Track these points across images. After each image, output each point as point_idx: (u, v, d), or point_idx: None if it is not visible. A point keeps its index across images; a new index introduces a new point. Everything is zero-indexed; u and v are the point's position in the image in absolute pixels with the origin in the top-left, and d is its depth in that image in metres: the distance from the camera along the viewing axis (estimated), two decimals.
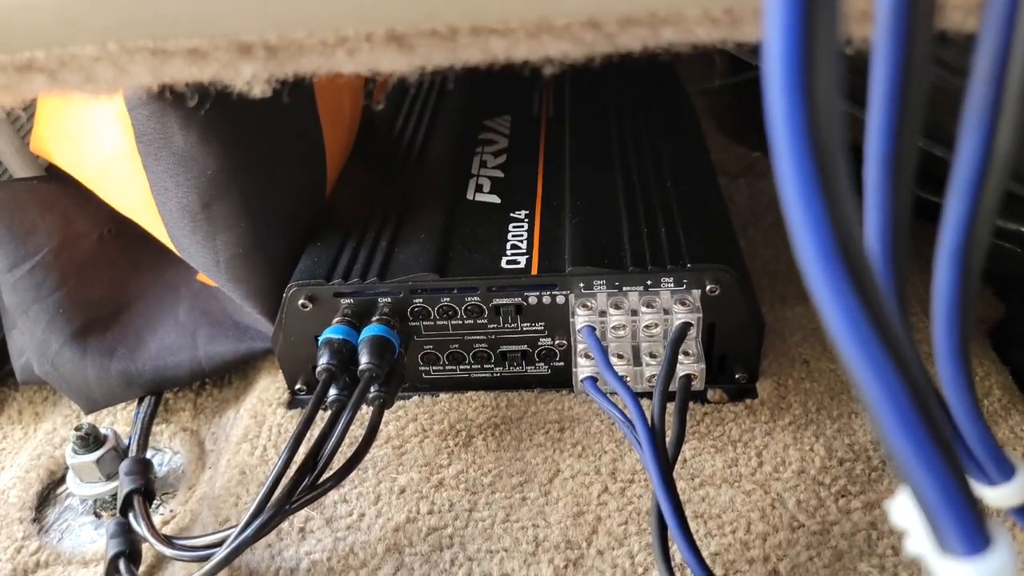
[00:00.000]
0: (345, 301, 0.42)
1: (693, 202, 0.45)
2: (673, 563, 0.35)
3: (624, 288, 0.40)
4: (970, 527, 0.15)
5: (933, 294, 0.20)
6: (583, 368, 0.41)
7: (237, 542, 0.33)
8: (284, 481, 0.35)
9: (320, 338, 0.40)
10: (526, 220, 0.45)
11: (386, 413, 0.44)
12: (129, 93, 0.38)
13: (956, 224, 0.19)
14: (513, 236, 0.44)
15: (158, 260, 0.50)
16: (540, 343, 0.43)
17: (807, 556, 0.35)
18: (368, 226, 0.45)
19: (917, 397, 0.14)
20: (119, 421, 0.49)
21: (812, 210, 0.14)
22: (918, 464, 0.15)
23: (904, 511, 0.17)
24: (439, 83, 0.63)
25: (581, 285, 0.41)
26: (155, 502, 0.44)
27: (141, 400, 0.47)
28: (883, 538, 0.36)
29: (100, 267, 0.47)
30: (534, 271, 0.41)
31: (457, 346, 0.44)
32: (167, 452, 0.47)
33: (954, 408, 0.22)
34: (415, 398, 0.45)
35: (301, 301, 0.41)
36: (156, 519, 0.42)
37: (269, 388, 0.47)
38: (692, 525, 0.37)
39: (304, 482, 0.36)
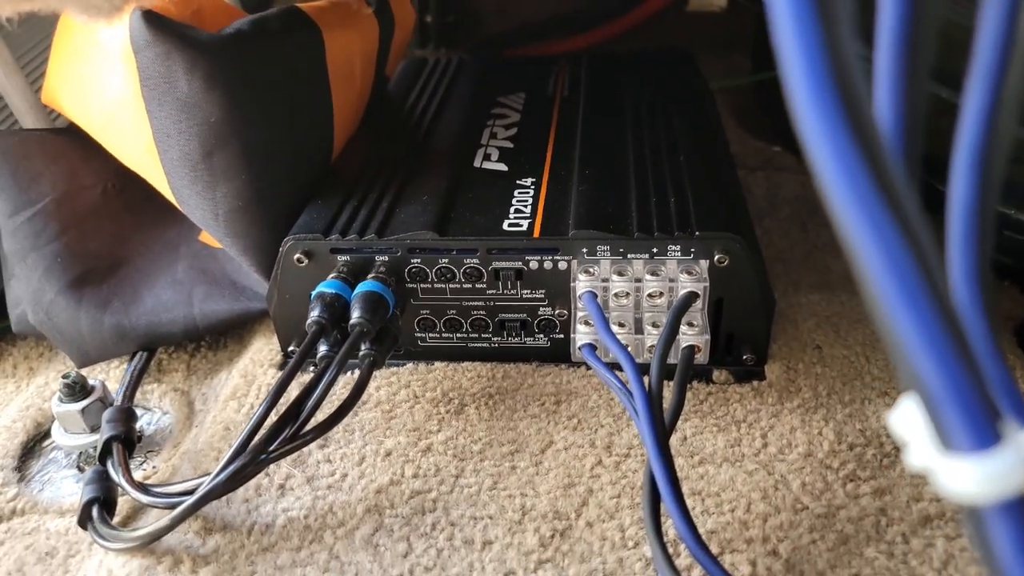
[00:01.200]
0: (342, 258, 0.41)
1: (705, 174, 0.43)
2: (666, 539, 0.33)
3: (629, 255, 0.39)
4: (977, 418, 0.13)
5: (948, 209, 0.19)
6: (582, 335, 0.39)
7: (209, 487, 0.32)
8: (264, 433, 0.34)
9: (313, 292, 0.39)
10: (532, 187, 0.44)
11: (378, 378, 0.43)
12: (134, 32, 0.37)
13: (975, 118, 0.17)
14: (518, 201, 0.42)
15: (161, 218, 0.49)
16: (540, 312, 0.42)
17: (810, 539, 0.33)
18: (371, 187, 0.44)
19: (920, 260, 0.13)
20: (111, 379, 0.48)
21: (804, 33, 0.12)
22: (919, 340, 0.13)
23: (905, 419, 0.15)
24: (456, 63, 0.62)
25: (584, 250, 0.39)
26: (139, 459, 0.43)
27: (134, 356, 0.46)
28: (893, 525, 0.33)
29: (101, 220, 0.46)
30: (536, 234, 0.40)
31: (455, 312, 0.42)
32: (156, 412, 0.46)
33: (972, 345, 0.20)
34: (409, 365, 0.44)
35: (297, 256, 0.40)
36: (137, 474, 0.41)
37: (263, 350, 0.46)
38: (689, 502, 0.35)
39: (284, 433, 0.34)
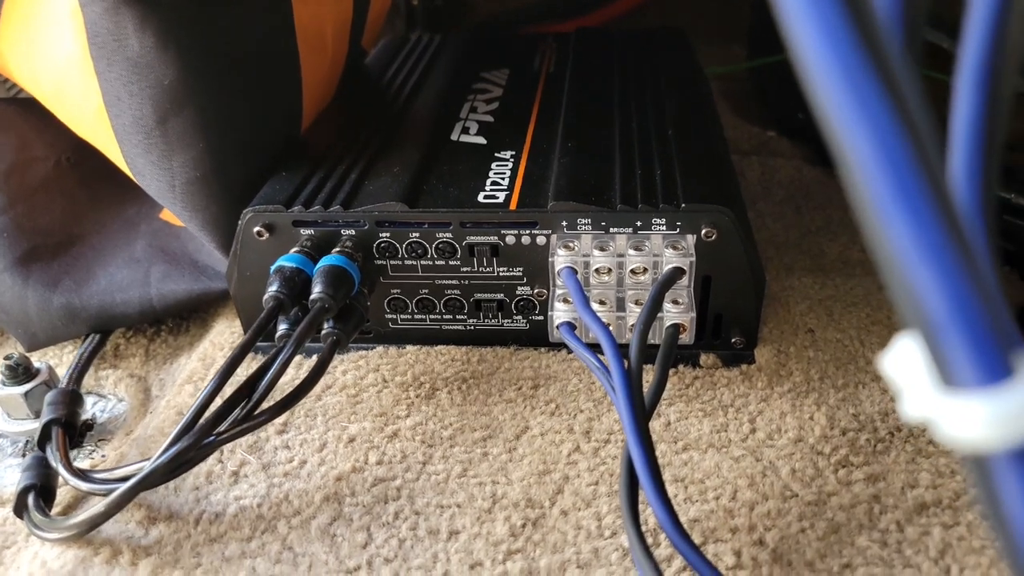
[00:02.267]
0: (305, 232, 0.38)
1: (694, 148, 0.41)
2: (646, 528, 0.30)
3: (611, 229, 0.37)
4: (986, 345, 0.11)
5: (952, 124, 0.16)
6: (560, 313, 0.37)
7: (148, 471, 0.30)
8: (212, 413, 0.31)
9: (272, 266, 0.37)
10: (511, 159, 0.41)
11: (345, 362, 0.41)
12: None
13: (984, 18, 0.15)
14: (495, 174, 0.40)
15: (121, 194, 0.47)
16: (518, 292, 0.40)
17: (799, 527, 0.30)
18: (340, 159, 0.42)
19: (917, 148, 0.10)
20: (63, 365, 0.45)
21: None
22: (915, 246, 0.11)
23: (900, 359, 0.13)
24: (438, 40, 0.60)
25: (564, 224, 0.37)
26: (89, 448, 0.41)
27: (86, 338, 0.43)
28: (887, 512, 0.31)
29: (53, 195, 0.44)
30: (513, 206, 0.37)
31: (427, 291, 0.40)
32: (111, 399, 0.44)
33: None
34: (379, 348, 0.41)
35: (257, 228, 0.38)
36: (84, 463, 0.39)
37: (224, 332, 0.44)
38: (671, 489, 0.32)
39: (235, 414, 0.32)
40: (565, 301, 0.37)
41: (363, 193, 0.39)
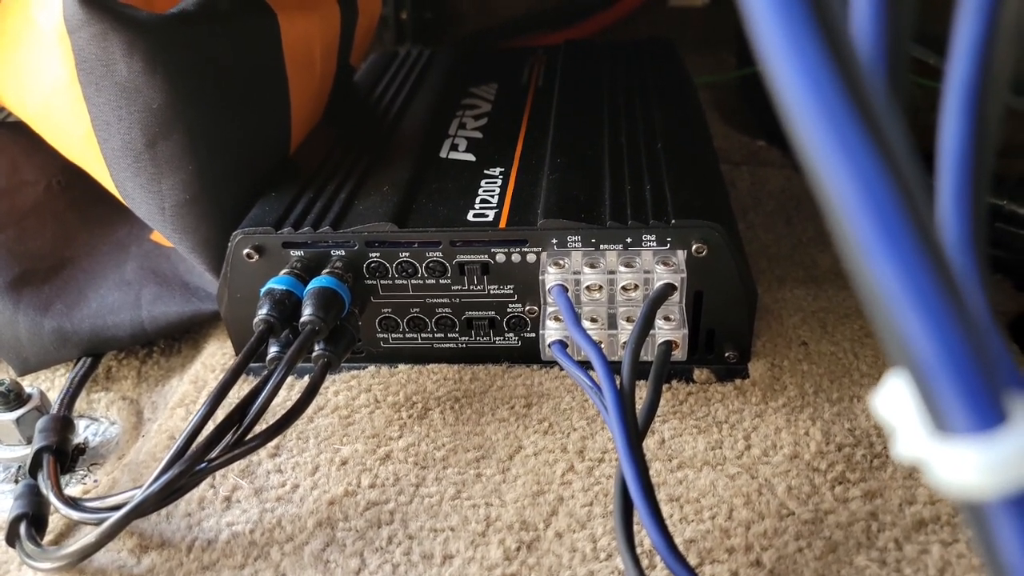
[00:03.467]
0: (295, 253, 0.38)
1: (683, 162, 0.41)
2: (641, 549, 0.30)
3: (601, 246, 0.36)
4: (978, 392, 0.11)
5: (938, 151, 0.16)
6: (552, 331, 0.37)
7: (139, 500, 0.29)
8: (203, 440, 0.31)
9: (262, 289, 0.36)
10: (500, 177, 0.41)
11: (336, 382, 0.40)
12: (68, 10, 0.35)
13: (971, 39, 0.15)
14: (484, 191, 0.40)
15: (110, 217, 0.47)
16: (509, 309, 0.39)
17: (796, 547, 0.30)
18: (330, 179, 0.42)
19: (902, 186, 0.10)
20: (55, 388, 0.45)
21: None
22: (903, 291, 0.11)
23: (891, 400, 0.13)
24: (427, 55, 0.60)
25: (554, 241, 0.37)
26: (82, 472, 0.40)
27: (78, 362, 0.43)
28: (885, 530, 0.31)
29: (43, 218, 0.44)
30: (502, 224, 0.37)
31: (418, 310, 0.40)
32: (103, 422, 0.44)
33: None
34: (370, 368, 0.41)
35: (247, 251, 0.38)
36: (76, 488, 0.38)
37: (216, 354, 0.43)
38: (666, 509, 0.32)
39: (226, 439, 0.32)
40: (556, 319, 0.37)
41: (353, 213, 0.39)
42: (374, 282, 0.39)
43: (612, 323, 0.37)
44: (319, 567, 0.31)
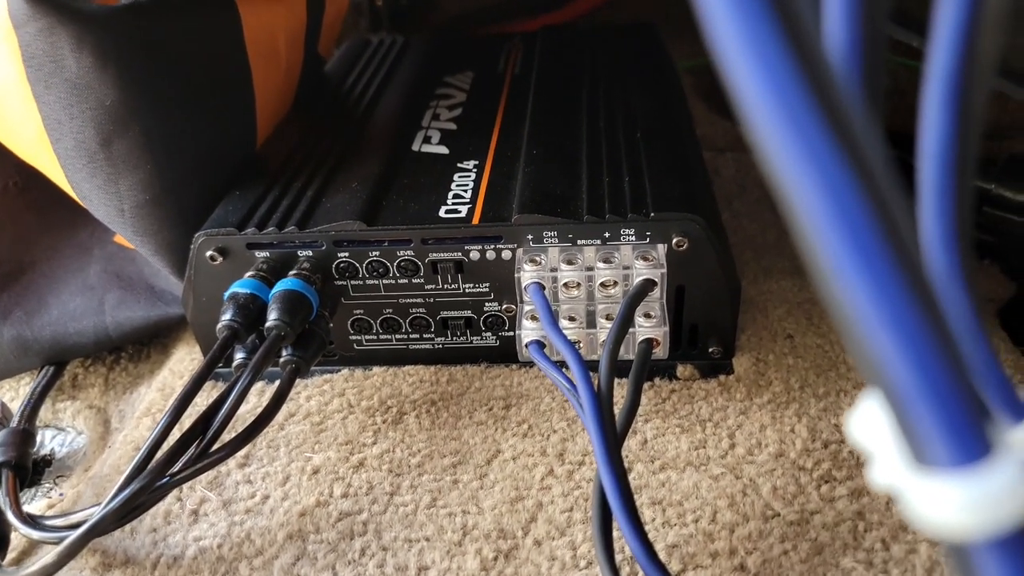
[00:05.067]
0: (260, 254, 0.37)
1: (664, 153, 0.39)
2: (622, 556, 0.29)
3: (579, 241, 0.35)
4: (961, 422, 0.10)
5: (919, 157, 0.15)
6: (528, 331, 0.35)
7: (97, 519, 0.28)
8: (165, 453, 0.30)
9: (226, 293, 0.35)
10: (474, 170, 0.40)
11: (309, 387, 0.39)
12: (12, 4, 0.33)
13: (952, 34, 0.13)
14: (457, 186, 0.39)
15: (71, 219, 0.45)
16: (486, 308, 0.38)
17: (781, 549, 0.29)
18: (296, 175, 0.40)
19: (875, 197, 0.09)
20: (20, 398, 0.43)
21: None
22: (878, 314, 0.09)
23: (867, 423, 0.12)
24: (401, 43, 0.58)
25: (529, 238, 0.35)
26: (48, 485, 0.39)
27: (41, 371, 0.42)
28: (872, 530, 0.30)
29: (1, 222, 0.42)
30: (475, 220, 0.36)
31: (391, 311, 0.38)
32: (70, 432, 0.42)
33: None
34: (344, 371, 0.40)
35: (210, 253, 0.36)
36: (41, 503, 0.37)
37: (184, 360, 0.42)
38: (648, 513, 0.31)
39: (190, 452, 0.30)
40: (533, 318, 0.35)
41: (320, 211, 0.37)
42: (344, 283, 0.37)
43: (591, 321, 0.36)
44: None
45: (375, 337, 0.39)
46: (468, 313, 0.38)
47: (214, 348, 0.33)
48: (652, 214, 0.34)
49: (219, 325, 0.34)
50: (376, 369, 0.40)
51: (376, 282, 0.37)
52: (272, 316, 0.33)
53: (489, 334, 0.39)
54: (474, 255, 0.36)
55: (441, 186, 0.39)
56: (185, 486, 0.34)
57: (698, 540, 0.30)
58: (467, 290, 0.38)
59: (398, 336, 0.39)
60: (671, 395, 0.37)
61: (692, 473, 0.33)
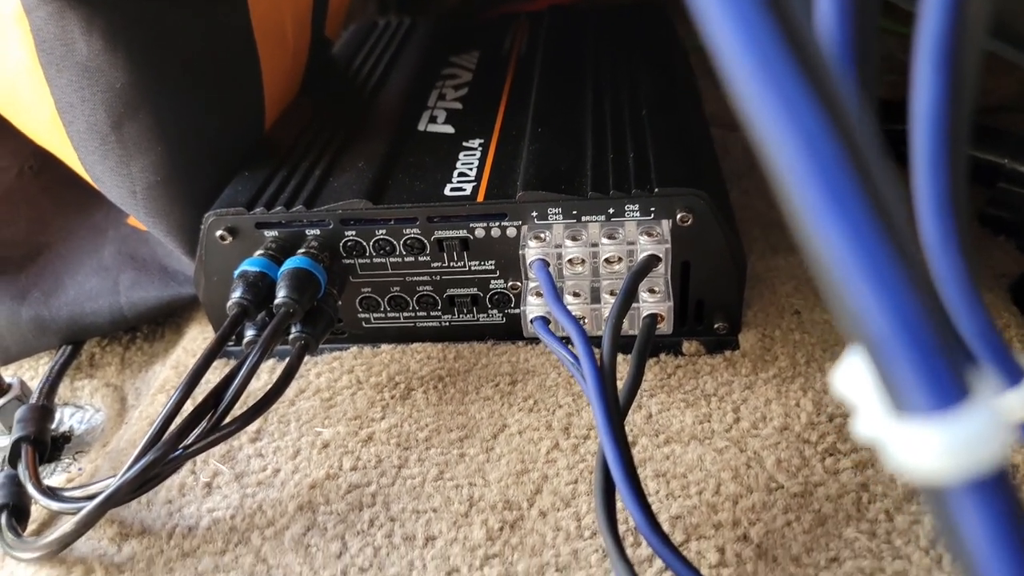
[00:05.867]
0: (270, 234, 0.37)
1: (670, 130, 0.39)
2: (626, 527, 0.29)
3: (583, 218, 0.35)
4: (936, 368, 0.10)
5: (910, 121, 0.15)
6: (533, 307, 0.36)
7: (114, 488, 0.29)
8: (178, 426, 0.30)
9: (236, 271, 0.36)
10: (479, 148, 0.40)
11: (319, 364, 0.40)
12: None
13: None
14: (462, 164, 0.39)
15: (85, 201, 0.46)
16: (492, 286, 0.38)
17: (784, 520, 0.30)
18: (304, 156, 0.41)
19: (850, 150, 0.09)
20: (40, 377, 0.44)
21: None
22: (851, 256, 0.10)
23: (850, 376, 0.12)
24: (407, 25, 0.58)
25: (534, 214, 0.36)
26: (67, 460, 0.40)
27: (58, 350, 0.43)
28: (875, 501, 0.30)
29: (17, 204, 0.43)
30: (480, 198, 0.36)
31: (399, 289, 0.39)
32: (88, 409, 0.43)
33: (944, 290, 0.16)
34: (353, 349, 0.41)
35: (220, 232, 0.37)
36: (61, 477, 0.38)
37: (197, 339, 0.43)
38: (652, 485, 0.32)
39: (202, 425, 0.31)
40: (538, 295, 0.36)
41: (327, 191, 0.38)
42: (352, 261, 0.38)
43: (595, 297, 0.36)
44: (300, 552, 0.31)
45: (383, 315, 0.40)
46: (474, 291, 0.39)
47: (225, 324, 0.33)
48: (656, 190, 0.35)
49: (229, 303, 0.34)
50: (384, 347, 0.40)
51: (383, 260, 0.38)
52: (281, 293, 0.34)
53: (495, 311, 0.39)
54: (479, 232, 0.37)
55: (446, 165, 0.39)
56: (199, 460, 0.35)
57: (701, 511, 0.30)
58: (473, 268, 0.38)
59: (405, 314, 0.40)
60: (676, 371, 0.37)
61: (696, 446, 0.33)
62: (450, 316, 0.40)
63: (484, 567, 0.29)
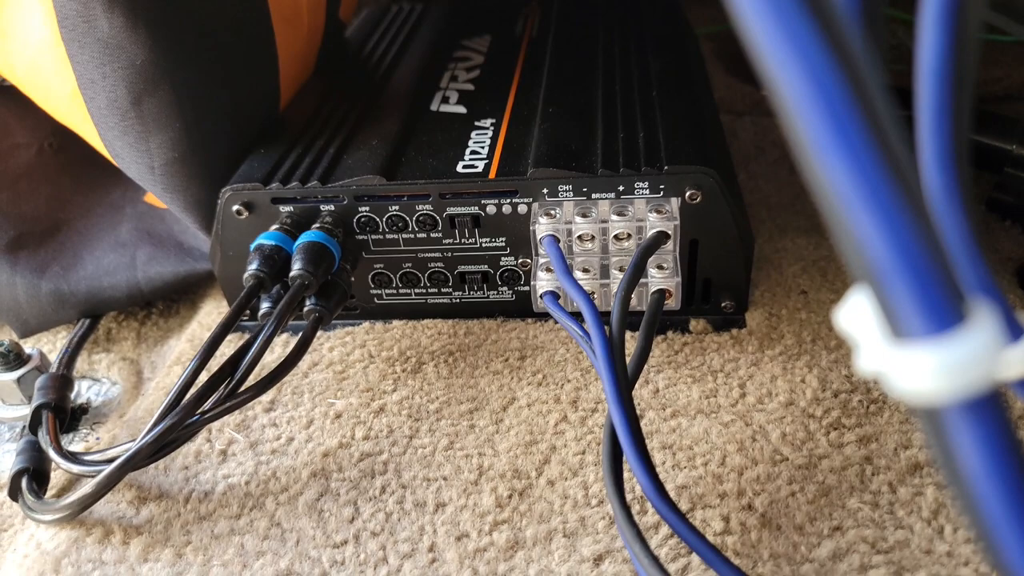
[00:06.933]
0: (285, 209, 0.38)
1: (679, 110, 0.40)
2: (632, 496, 0.30)
3: (593, 195, 0.36)
4: (933, 294, 0.10)
5: (916, 74, 0.15)
6: (543, 283, 0.36)
7: (134, 450, 0.30)
8: (195, 392, 0.31)
9: (252, 245, 0.36)
10: (491, 128, 0.41)
11: (332, 338, 0.40)
12: None
13: None
14: (475, 143, 0.39)
15: (103, 179, 0.46)
16: (502, 262, 0.39)
17: (788, 491, 0.30)
18: (319, 134, 0.41)
19: (852, 78, 0.10)
20: (57, 350, 0.45)
21: None
22: (854, 188, 0.10)
23: (853, 314, 0.12)
24: (420, 9, 0.59)
25: (545, 191, 0.36)
26: (85, 431, 0.41)
27: (77, 323, 0.43)
28: (879, 474, 0.30)
29: (37, 181, 0.44)
30: (492, 175, 0.36)
31: (411, 265, 0.40)
32: (105, 382, 0.44)
33: (946, 241, 0.17)
34: (365, 324, 0.41)
35: (236, 207, 0.38)
36: (79, 445, 0.39)
37: (212, 313, 0.43)
38: (658, 456, 0.32)
39: (219, 392, 0.32)
40: (548, 270, 0.36)
41: (341, 167, 0.38)
42: (365, 237, 0.39)
43: (605, 273, 0.37)
44: (313, 516, 0.31)
45: (395, 291, 0.41)
46: (485, 267, 0.39)
47: (241, 295, 0.34)
48: (666, 167, 0.35)
49: (245, 275, 0.35)
50: (396, 322, 0.41)
51: (396, 236, 0.38)
52: (296, 266, 0.35)
53: (505, 288, 0.40)
54: (491, 209, 0.37)
55: (459, 143, 0.39)
56: (214, 428, 0.36)
57: (707, 482, 0.31)
58: (484, 244, 0.38)
59: (417, 290, 0.40)
60: (684, 347, 0.38)
61: (703, 420, 0.34)
62: (460, 293, 0.40)
63: (493, 532, 0.30)
